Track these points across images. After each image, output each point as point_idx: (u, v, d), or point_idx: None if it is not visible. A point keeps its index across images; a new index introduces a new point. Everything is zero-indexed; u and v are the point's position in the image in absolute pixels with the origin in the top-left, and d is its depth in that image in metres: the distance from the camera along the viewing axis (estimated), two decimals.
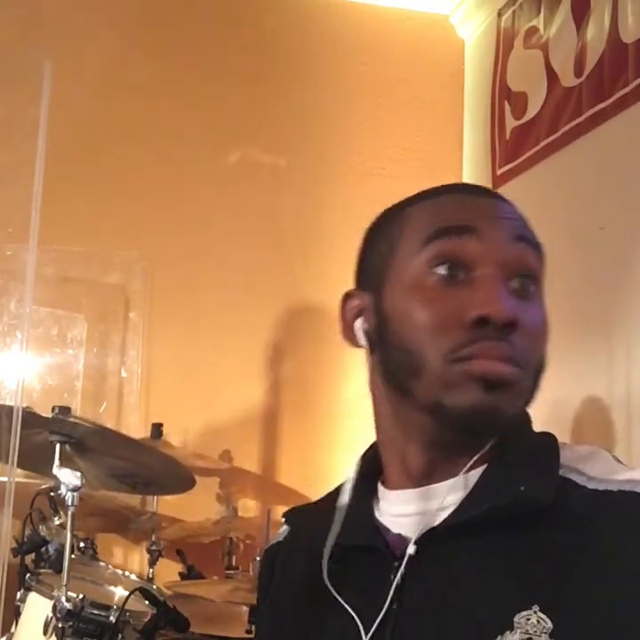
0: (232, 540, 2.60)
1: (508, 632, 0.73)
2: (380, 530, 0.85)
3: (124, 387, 2.97)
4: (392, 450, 0.87)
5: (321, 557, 0.87)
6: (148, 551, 2.54)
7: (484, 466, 0.82)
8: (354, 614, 0.82)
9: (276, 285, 3.08)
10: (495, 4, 3.18)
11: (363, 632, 0.80)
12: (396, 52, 3.35)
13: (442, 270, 0.80)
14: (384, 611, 0.80)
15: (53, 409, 1.90)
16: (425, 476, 0.83)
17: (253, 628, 1.85)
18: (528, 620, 0.73)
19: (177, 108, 3.10)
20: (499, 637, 0.73)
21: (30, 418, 1.79)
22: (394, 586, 0.80)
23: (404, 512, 0.84)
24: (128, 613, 1.79)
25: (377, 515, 0.87)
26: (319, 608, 0.86)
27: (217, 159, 3.12)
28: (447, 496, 0.81)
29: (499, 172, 3.08)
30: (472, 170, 3.32)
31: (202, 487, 2.38)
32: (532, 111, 2.88)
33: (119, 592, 2.05)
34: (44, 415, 1.87)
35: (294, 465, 3.00)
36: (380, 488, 0.89)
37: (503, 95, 3.11)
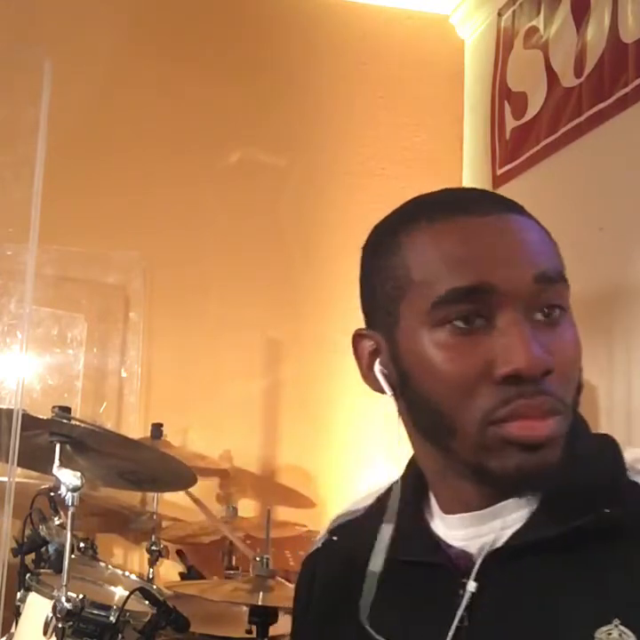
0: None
1: None
2: (440, 545, 0.81)
3: (124, 387, 2.98)
4: (441, 485, 0.83)
5: (364, 575, 0.84)
6: (148, 551, 2.54)
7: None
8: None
9: (275, 285, 3.08)
10: (495, 4, 3.18)
11: None
12: (396, 52, 3.35)
13: (459, 323, 0.74)
14: (453, 628, 0.76)
15: (53, 409, 1.90)
16: (482, 503, 0.79)
17: (253, 627, 1.84)
18: (610, 634, 0.71)
19: (177, 108, 3.10)
20: None
21: (30, 418, 1.79)
22: (464, 602, 0.76)
23: (464, 533, 0.80)
24: (128, 613, 1.79)
25: (434, 529, 0.83)
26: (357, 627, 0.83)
27: (217, 159, 3.12)
28: (510, 515, 0.77)
29: (499, 172, 3.08)
30: (472, 170, 3.32)
31: (202, 487, 2.38)
32: (531, 111, 2.89)
33: (119, 592, 2.05)
34: (43, 417, 1.87)
35: (294, 465, 3.00)
36: (435, 508, 0.84)
37: (503, 95, 3.11)
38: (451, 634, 0.76)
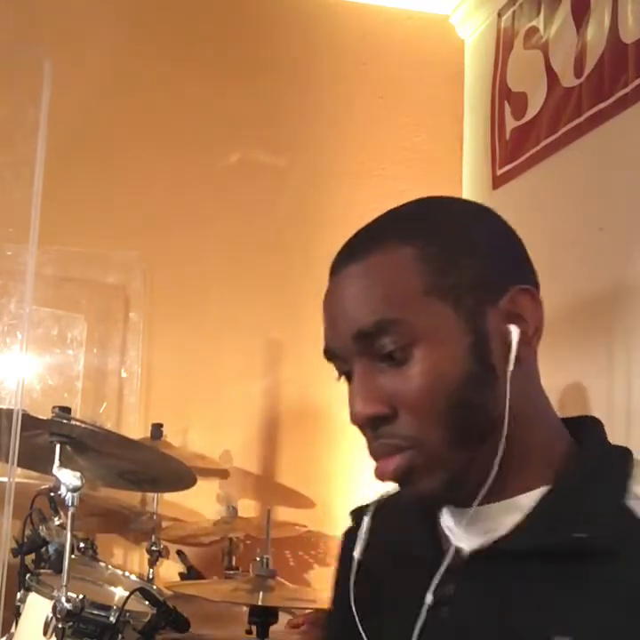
0: (232, 540, 2.60)
1: None
2: (440, 540, 0.85)
3: (124, 387, 2.97)
4: None
5: (382, 563, 0.88)
6: (148, 551, 2.55)
7: (547, 487, 0.79)
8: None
9: (275, 285, 3.08)
10: (495, 5, 3.18)
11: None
12: (396, 52, 3.35)
13: (341, 377, 0.87)
14: (422, 621, 0.80)
15: (53, 409, 1.90)
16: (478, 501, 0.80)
17: (253, 628, 1.84)
18: None
19: (177, 108, 3.10)
20: None
21: (30, 418, 1.79)
22: (450, 590, 0.80)
23: (463, 529, 0.82)
24: (128, 613, 1.79)
25: (443, 522, 0.86)
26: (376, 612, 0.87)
27: (217, 159, 3.12)
28: (503, 517, 0.80)
29: (499, 172, 3.08)
30: (472, 170, 3.32)
31: (202, 487, 2.38)
32: (531, 111, 2.88)
33: (119, 592, 2.05)
34: (43, 417, 1.86)
35: (294, 465, 3.00)
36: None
37: (503, 95, 3.11)
38: (419, 625, 0.81)
